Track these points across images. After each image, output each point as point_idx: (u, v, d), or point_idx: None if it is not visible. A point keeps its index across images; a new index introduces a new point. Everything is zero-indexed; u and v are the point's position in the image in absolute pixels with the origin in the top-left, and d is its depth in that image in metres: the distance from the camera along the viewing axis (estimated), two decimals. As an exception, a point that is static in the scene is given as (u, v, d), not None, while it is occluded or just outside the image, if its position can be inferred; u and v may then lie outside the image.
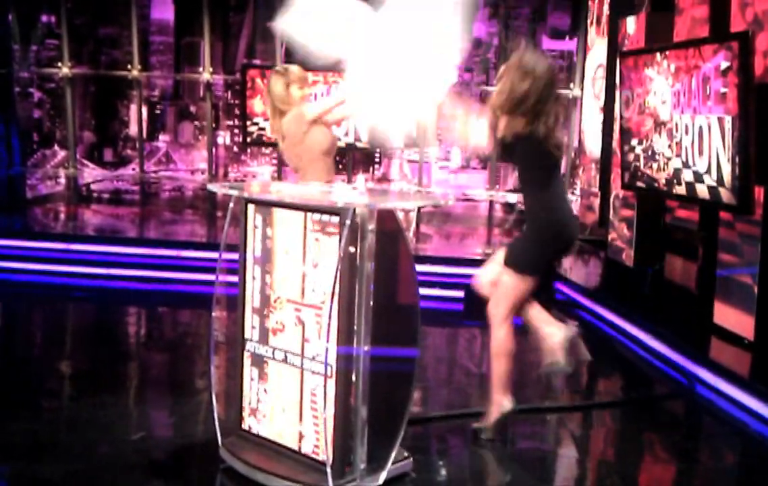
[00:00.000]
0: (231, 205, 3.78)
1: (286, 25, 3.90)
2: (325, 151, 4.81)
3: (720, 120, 5.72)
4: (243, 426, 3.84)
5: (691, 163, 6.20)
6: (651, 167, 6.89)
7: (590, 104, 9.45)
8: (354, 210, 3.37)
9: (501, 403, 4.17)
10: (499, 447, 4.41)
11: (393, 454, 3.59)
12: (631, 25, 7.86)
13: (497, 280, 4.17)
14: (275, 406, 3.71)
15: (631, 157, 7.27)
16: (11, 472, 3.70)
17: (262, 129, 10.06)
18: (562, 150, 4.11)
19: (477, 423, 4.28)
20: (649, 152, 6.90)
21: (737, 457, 4.70)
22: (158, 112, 13.89)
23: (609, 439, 4.79)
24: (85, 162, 12.84)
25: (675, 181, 6.47)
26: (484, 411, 4.28)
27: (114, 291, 7.78)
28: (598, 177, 8.99)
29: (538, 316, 4.19)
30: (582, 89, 9.92)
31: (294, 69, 4.88)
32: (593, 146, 9.16)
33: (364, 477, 3.52)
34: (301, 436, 3.62)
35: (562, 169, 4.24)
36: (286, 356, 3.65)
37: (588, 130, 9.44)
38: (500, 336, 4.13)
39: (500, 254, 4.22)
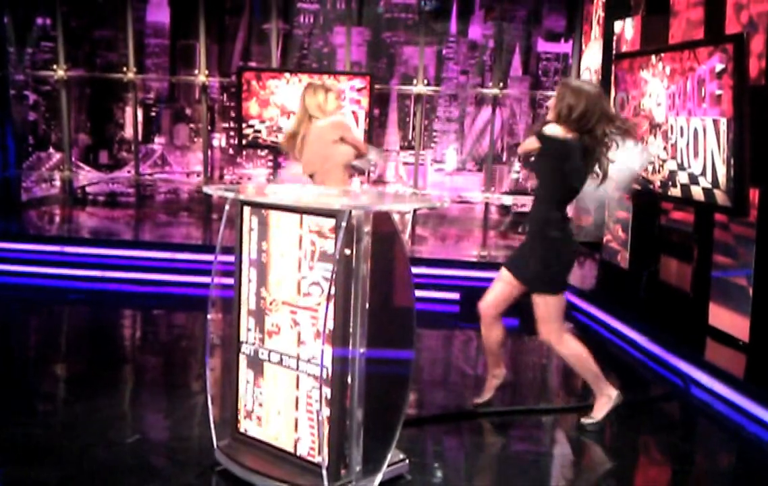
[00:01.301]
0: (227, 207, 3.78)
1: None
2: (347, 163, 5.09)
3: (715, 122, 5.74)
4: (239, 428, 3.84)
5: (686, 165, 6.21)
6: (646, 169, 6.90)
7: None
8: (350, 212, 3.38)
9: (609, 394, 4.43)
10: (494, 448, 4.41)
11: (389, 456, 3.59)
12: (627, 27, 7.88)
13: (499, 302, 4.48)
14: (271, 409, 3.71)
15: (626, 159, 7.27)
16: (7, 476, 3.69)
17: (258, 131, 10.06)
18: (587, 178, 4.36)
19: (585, 418, 4.48)
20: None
21: (733, 458, 4.71)
22: (153, 114, 13.87)
23: (604, 440, 4.79)
24: (81, 164, 12.81)
25: (670, 183, 6.48)
26: (591, 404, 4.52)
27: (109, 293, 7.77)
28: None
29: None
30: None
31: (330, 82, 5.16)
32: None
33: (359, 479, 3.52)
34: (296, 439, 3.62)
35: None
36: (281, 358, 3.65)
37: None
38: (569, 348, 4.42)
39: (504, 274, 4.48)
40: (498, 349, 4.63)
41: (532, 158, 4.36)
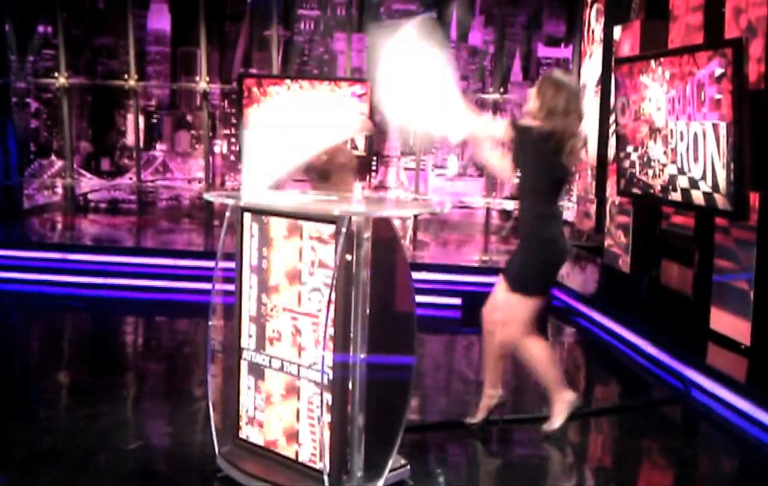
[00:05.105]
0: (227, 213, 3.79)
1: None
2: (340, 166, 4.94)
3: (715, 126, 5.75)
4: (240, 435, 3.85)
5: (686, 169, 6.22)
6: (646, 174, 6.91)
7: (589, 110, 9.45)
8: (350, 218, 3.38)
9: (565, 399, 4.29)
10: (497, 454, 4.41)
11: (390, 462, 3.60)
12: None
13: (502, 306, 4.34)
14: (272, 415, 3.72)
15: (626, 163, 7.29)
16: (9, 483, 3.70)
17: (259, 138, 10.06)
18: (570, 170, 4.26)
19: (546, 426, 4.36)
20: (645, 159, 6.92)
21: (734, 462, 4.71)
22: (155, 121, 13.91)
23: (606, 445, 4.80)
24: (82, 172, 12.84)
25: (670, 187, 6.49)
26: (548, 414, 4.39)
27: (111, 300, 7.78)
28: (594, 183, 9.01)
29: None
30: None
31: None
32: (590, 152, 9.17)
33: (361, 485, 3.52)
34: (298, 445, 3.62)
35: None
36: (282, 365, 3.65)
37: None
38: (530, 351, 4.28)
39: (501, 278, 4.36)
40: (497, 362, 4.43)
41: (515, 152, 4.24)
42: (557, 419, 4.34)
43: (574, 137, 4.12)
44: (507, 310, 4.24)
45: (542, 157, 4.11)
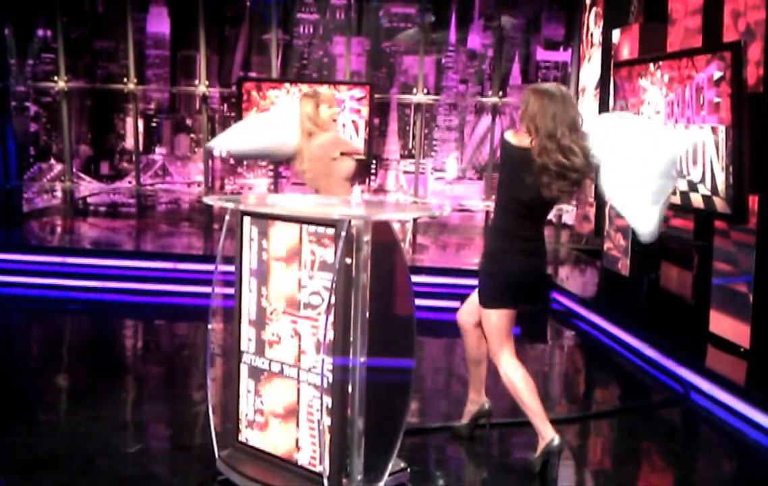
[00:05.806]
0: (227, 217, 3.80)
1: None
2: (349, 177, 5.05)
3: (713, 129, 5.75)
4: (240, 438, 3.85)
5: (685, 172, 6.23)
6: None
7: (590, 113, 9.48)
8: (349, 221, 3.39)
9: (544, 437, 3.96)
10: (497, 457, 4.41)
11: (390, 465, 3.60)
12: (626, 35, 7.91)
13: (472, 310, 4.19)
14: (272, 418, 3.72)
15: (625, 166, 7.29)
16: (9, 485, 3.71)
17: (259, 141, 10.07)
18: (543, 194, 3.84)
19: (531, 455, 4.04)
20: (644, 162, 6.92)
21: (734, 465, 4.71)
22: (154, 125, 13.91)
23: (606, 448, 4.80)
24: (82, 175, 12.84)
25: (670, 190, 6.49)
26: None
27: (111, 304, 7.78)
28: (593, 186, 9.01)
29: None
30: (577, 100, 9.96)
31: (322, 90, 5.19)
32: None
33: (361, 488, 3.53)
34: (297, 448, 3.62)
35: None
36: (282, 368, 3.66)
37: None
38: (507, 373, 4.01)
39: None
40: (476, 367, 4.29)
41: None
42: (537, 454, 4.00)
43: (566, 153, 3.74)
44: (483, 327, 4.10)
45: (504, 170, 3.98)
